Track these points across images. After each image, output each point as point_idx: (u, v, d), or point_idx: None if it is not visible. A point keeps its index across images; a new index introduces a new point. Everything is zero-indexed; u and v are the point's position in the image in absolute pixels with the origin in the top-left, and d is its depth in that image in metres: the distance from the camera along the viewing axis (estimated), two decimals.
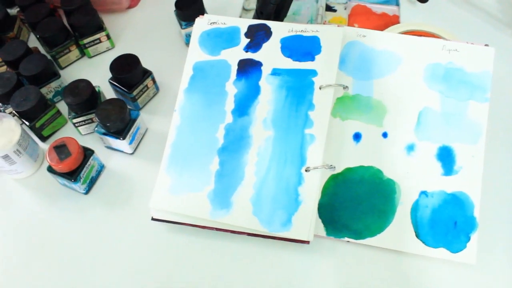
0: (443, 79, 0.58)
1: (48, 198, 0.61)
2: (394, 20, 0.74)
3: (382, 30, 0.70)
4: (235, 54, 0.61)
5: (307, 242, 0.52)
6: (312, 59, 0.59)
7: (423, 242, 0.53)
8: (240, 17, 0.74)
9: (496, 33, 0.73)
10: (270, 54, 0.60)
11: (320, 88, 0.57)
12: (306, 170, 0.54)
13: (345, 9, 0.76)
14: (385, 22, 0.74)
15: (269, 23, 0.62)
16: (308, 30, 0.60)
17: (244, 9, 0.76)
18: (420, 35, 0.64)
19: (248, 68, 0.60)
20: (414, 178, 0.55)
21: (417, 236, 0.53)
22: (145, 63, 0.66)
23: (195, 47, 0.62)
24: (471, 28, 0.74)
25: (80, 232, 0.58)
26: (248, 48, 0.61)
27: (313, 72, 0.58)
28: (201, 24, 0.63)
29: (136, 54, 0.65)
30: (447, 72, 0.58)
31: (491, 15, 0.75)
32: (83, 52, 0.74)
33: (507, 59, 0.68)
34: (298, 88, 0.58)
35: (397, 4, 0.76)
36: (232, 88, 0.59)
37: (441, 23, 0.71)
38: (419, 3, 0.76)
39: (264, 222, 0.53)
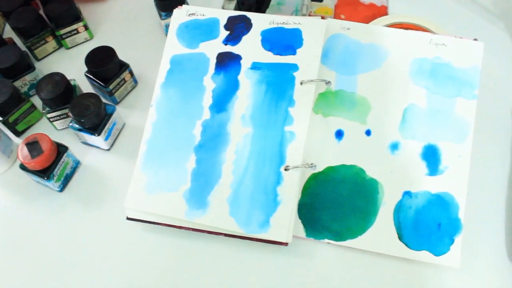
0: (430, 74, 0.56)
1: (22, 196, 0.59)
2: (382, 11, 0.72)
3: (369, 21, 0.68)
4: (214, 47, 0.58)
5: (286, 244, 0.51)
6: (294, 52, 0.56)
7: (406, 245, 0.52)
8: (223, 7, 0.71)
9: (487, 25, 0.70)
10: (250, 47, 0.57)
11: (301, 83, 0.55)
12: (285, 169, 0.52)
13: None
14: (373, 13, 0.71)
15: (250, 14, 0.59)
16: (290, 22, 0.58)
17: None
18: (408, 28, 0.62)
19: (227, 62, 0.57)
20: (398, 177, 0.53)
21: (400, 238, 0.52)
22: (124, 55, 0.64)
23: (173, 39, 0.59)
24: (462, 19, 0.71)
25: (54, 230, 0.56)
26: (227, 41, 0.58)
27: (294, 67, 0.56)
28: (179, 15, 0.60)
29: (115, 45, 0.63)
30: (434, 67, 0.56)
31: (482, 6, 0.72)
32: (60, 43, 0.72)
33: (497, 53, 0.66)
34: (278, 83, 0.55)
35: None
36: (210, 83, 0.57)
37: (430, 15, 0.69)
38: None
39: (241, 223, 0.51)
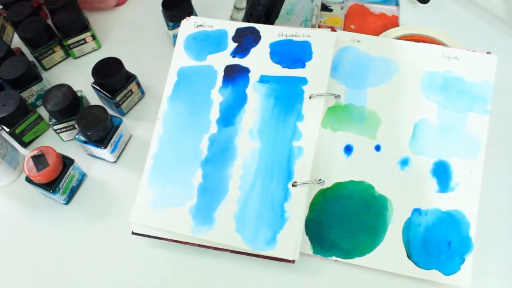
0: (442, 88, 0.55)
1: (27, 208, 0.59)
2: (393, 21, 0.70)
3: (380, 31, 0.67)
4: (222, 59, 0.58)
5: (293, 261, 0.50)
6: (303, 66, 0.56)
7: (415, 263, 0.51)
8: (231, 16, 0.71)
9: (500, 35, 0.69)
10: (258, 60, 0.57)
11: (310, 98, 0.54)
12: (293, 185, 0.52)
13: (342, 8, 0.72)
14: (384, 23, 0.70)
15: (258, 26, 0.58)
16: (299, 34, 0.57)
17: (235, 8, 0.72)
18: (419, 40, 0.61)
19: (235, 75, 0.57)
20: (408, 194, 0.52)
21: (409, 256, 0.51)
22: (132, 65, 0.64)
23: (180, 51, 0.59)
24: (474, 30, 0.70)
25: (59, 243, 0.56)
26: (235, 53, 0.57)
27: (303, 80, 0.55)
28: (187, 26, 0.60)
29: (122, 55, 0.63)
30: (445, 81, 0.55)
31: (495, 16, 0.71)
32: (68, 53, 0.71)
33: (510, 65, 0.64)
34: (287, 97, 0.55)
35: (397, 4, 0.72)
36: (217, 96, 0.56)
37: (442, 25, 0.67)
38: (419, 4, 0.72)
39: (248, 240, 0.51)
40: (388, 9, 0.72)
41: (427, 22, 0.69)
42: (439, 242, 0.51)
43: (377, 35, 0.66)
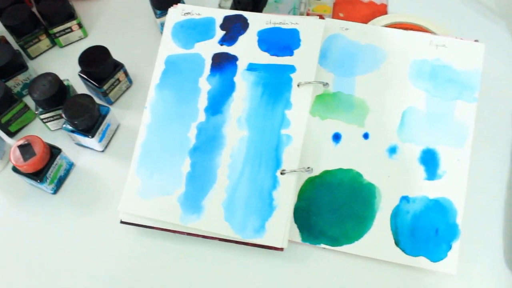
0: (430, 76, 0.55)
1: (15, 198, 0.59)
2: (381, 9, 0.70)
3: (368, 19, 0.67)
4: (210, 47, 0.57)
5: (281, 249, 0.50)
6: (291, 53, 0.55)
7: (403, 250, 0.51)
8: (219, 5, 0.70)
9: (489, 24, 0.69)
10: (246, 48, 0.56)
11: (298, 86, 0.54)
12: (281, 173, 0.52)
13: None
14: (372, 11, 0.70)
15: (246, 14, 0.58)
16: (287, 22, 0.57)
17: None
18: (407, 28, 0.61)
19: (223, 63, 0.56)
20: (396, 182, 0.53)
21: (397, 243, 0.51)
22: (119, 54, 0.63)
23: (168, 39, 0.58)
24: (463, 18, 0.70)
25: (47, 233, 0.56)
26: (223, 41, 0.57)
27: (291, 68, 0.55)
28: (174, 14, 0.59)
29: (109, 43, 0.62)
30: (434, 69, 0.55)
31: (484, 5, 0.71)
32: (54, 42, 0.70)
33: (499, 54, 0.65)
34: (275, 85, 0.54)
35: None
36: (205, 84, 0.56)
37: (431, 13, 0.67)
38: None
39: (237, 228, 0.51)
40: None
41: (415, 10, 0.69)
42: (426, 229, 0.51)
43: (366, 23, 0.66)
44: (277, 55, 0.56)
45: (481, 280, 0.51)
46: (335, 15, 0.70)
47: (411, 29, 0.62)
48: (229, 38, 0.57)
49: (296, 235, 0.52)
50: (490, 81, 0.61)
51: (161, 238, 0.54)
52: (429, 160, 0.53)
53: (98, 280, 0.52)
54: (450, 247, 0.51)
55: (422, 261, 0.50)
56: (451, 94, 0.54)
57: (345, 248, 0.52)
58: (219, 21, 0.58)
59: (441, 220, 0.51)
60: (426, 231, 0.51)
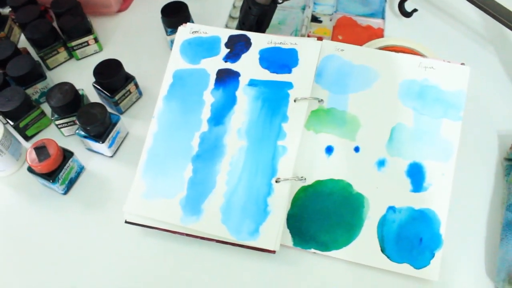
0: (418, 96, 0.58)
1: (28, 197, 0.63)
2: (378, 33, 0.75)
3: (366, 42, 0.71)
4: (215, 63, 0.62)
5: (273, 251, 0.53)
6: (289, 71, 0.60)
7: (388, 257, 0.54)
8: (226, 25, 0.75)
9: (477, 49, 0.73)
10: (248, 65, 0.61)
11: (295, 101, 0.58)
12: (276, 181, 0.55)
13: (331, 20, 0.76)
14: (369, 34, 0.74)
15: (249, 34, 0.63)
16: (287, 42, 0.61)
17: (230, 17, 0.77)
18: (400, 51, 0.65)
19: (226, 78, 0.61)
20: (383, 193, 0.56)
21: (382, 250, 0.54)
22: (131, 67, 0.68)
23: (176, 55, 0.63)
24: (454, 43, 0.74)
25: (56, 231, 0.60)
26: (227, 58, 0.62)
27: (289, 85, 0.59)
28: (183, 32, 0.64)
29: (122, 58, 0.67)
30: (422, 89, 0.59)
31: (474, 31, 0.75)
32: (71, 54, 0.76)
33: (486, 76, 0.69)
34: (274, 100, 0.59)
35: (383, 18, 0.76)
36: (209, 97, 0.60)
37: (424, 38, 0.72)
38: (404, 17, 0.76)
39: (232, 231, 0.54)
40: (374, 22, 0.76)
41: (410, 34, 0.74)
42: (411, 238, 0.54)
43: (363, 45, 0.70)
44: (277, 72, 0.60)
45: (462, 287, 0.54)
46: (334, 37, 0.75)
47: (403, 51, 0.66)
48: (233, 55, 0.62)
49: (289, 240, 0.56)
50: (478, 101, 0.65)
51: (162, 238, 0.57)
52: (416, 174, 0.56)
53: (103, 277, 0.56)
54: (433, 256, 0.54)
55: (406, 268, 0.53)
56: (437, 113, 0.58)
57: (334, 253, 0.55)
58: (224, 39, 0.63)
59: (425, 229, 0.54)
60: (411, 240, 0.54)
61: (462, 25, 0.76)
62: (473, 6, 0.70)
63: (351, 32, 0.75)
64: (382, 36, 0.74)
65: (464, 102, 0.58)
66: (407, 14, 0.75)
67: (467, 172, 0.60)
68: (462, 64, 0.59)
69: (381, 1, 0.79)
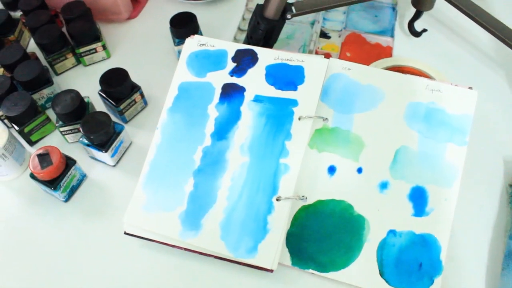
0: (424, 118, 0.58)
1: (29, 202, 0.63)
2: (387, 51, 0.74)
3: (374, 60, 0.71)
4: (220, 77, 0.62)
5: (271, 270, 0.53)
6: (295, 88, 0.59)
7: (386, 281, 0.54)
8: (235, 37, 0.75)
9: (488, 72, 0.72)
10: (254, 80, 0.61)
11: (299, 119, 0.58)
12: (277, 199, 0.55)
13: (339, 36, 0.76)
14: (378, 52, 0.74)
15: (257, 49, 0.62)
16: (294, 59, 0.61)
17: (239, 29, 0.77)
18: (407, 71, 0.65)
19: (231, 93, 0.61)
20: (384, 216, 0.55)
21: (381, 274, 0.54)
22: (137, 76, 0.68)
23: (183, 67, 0.63)
24: (463, 65, 0.73)
25: (56, 238, 0.60)
26: (233, 73, 0.62)
27: (294, 102, 0.59)
28: (190, 44, 0.64)
29: (129, 66, 0.67)
30: (428, 112, 0.58)
31: (484, 54, 0.75)
32: (79, 61, 0.76)
33: (495, 101, 0.68)
34: (278, 117, 0.58)
35: (392, 36, 0.76)
36: (213, 111, 0.60)
37: (433, 59, 0.71)
38: (413, 37, 0.76)
39: (231, 247, 0.54)
40: (383, 40, 0.76)
41: (419, 54, 0.73)
42: (410, 263, 0.54)
43: (371, 63, 0.70)
44: (282, 89, 0.60)
45: None
46: (342, 54, 0.74)
47: (411, 72, 0.66)
48: (239, 70, 0.62)
49: (287, 259, 0.55)
50: (485, 125, 0.65)
51: (161, 251, 0.57)
52: (418, 198, 0.56)
53: (99, 285, 0.56)
54: (432, 282, 0.53)
55: None
56: (443, 137, 0.57)
57: (332, 275, 0.54)
58: (231, 53, 0.63)
59: (425, 255, 0.54)
60: (410, 265, 0.54)
61: (472, 48, 0.75)
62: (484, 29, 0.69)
63: (359, 49, 0.75)
64: (390, 54, 0.74)
65: (470, 127, 0.57)
66: (416, 34, 0.75)
67: (470, 197, 0.59)
68: (470, 88, 0.59)
69: (391, 19, 0.78)
